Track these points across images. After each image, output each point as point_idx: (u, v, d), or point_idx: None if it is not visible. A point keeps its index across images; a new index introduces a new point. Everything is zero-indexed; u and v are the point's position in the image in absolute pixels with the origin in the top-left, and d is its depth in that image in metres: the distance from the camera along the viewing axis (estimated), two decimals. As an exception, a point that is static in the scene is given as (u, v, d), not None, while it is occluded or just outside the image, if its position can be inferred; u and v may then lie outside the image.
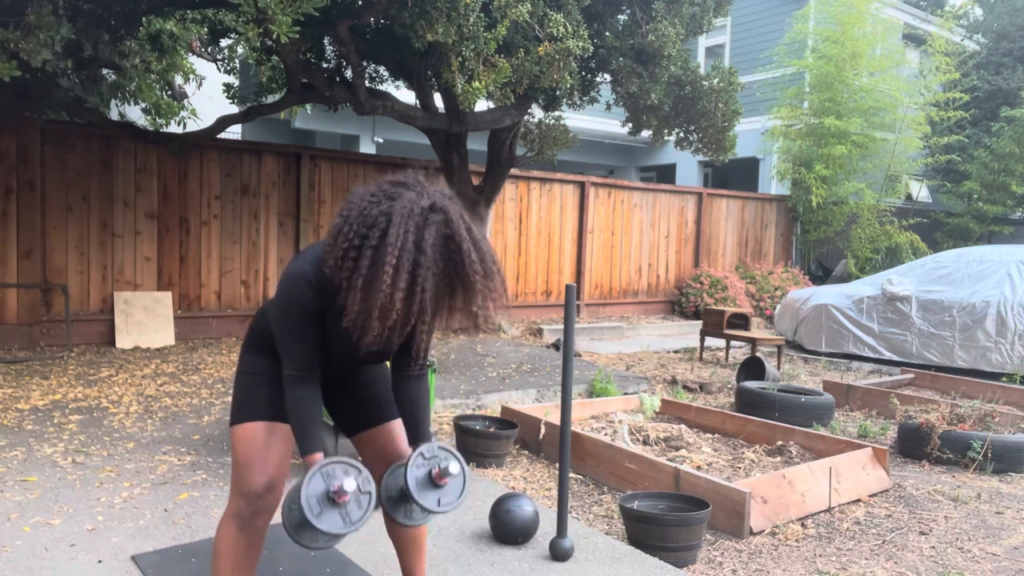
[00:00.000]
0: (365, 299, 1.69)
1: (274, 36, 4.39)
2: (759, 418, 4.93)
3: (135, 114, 10.16)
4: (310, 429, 1.91)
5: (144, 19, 6.44)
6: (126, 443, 4.19)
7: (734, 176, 16.07)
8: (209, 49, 8.83)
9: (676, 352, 8.82)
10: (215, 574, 2.04)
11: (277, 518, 3.02)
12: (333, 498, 1.80)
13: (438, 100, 7.12)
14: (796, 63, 12.68)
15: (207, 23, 7.34)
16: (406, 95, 9.59)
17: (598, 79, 7.56)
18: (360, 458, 2.27)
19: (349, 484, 1.81)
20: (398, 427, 2.25)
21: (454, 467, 1.96)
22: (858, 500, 3.91)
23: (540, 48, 5.63)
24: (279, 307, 1.91)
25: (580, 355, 8.02)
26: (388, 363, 2.23)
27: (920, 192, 16.06)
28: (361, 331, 1.74)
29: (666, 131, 7.88)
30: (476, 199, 7.67)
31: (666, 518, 3.02)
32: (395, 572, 2.72)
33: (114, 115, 9.30)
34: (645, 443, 4.52)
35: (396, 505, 2.04)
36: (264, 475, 2.01)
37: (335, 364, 2.13)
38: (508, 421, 4.41)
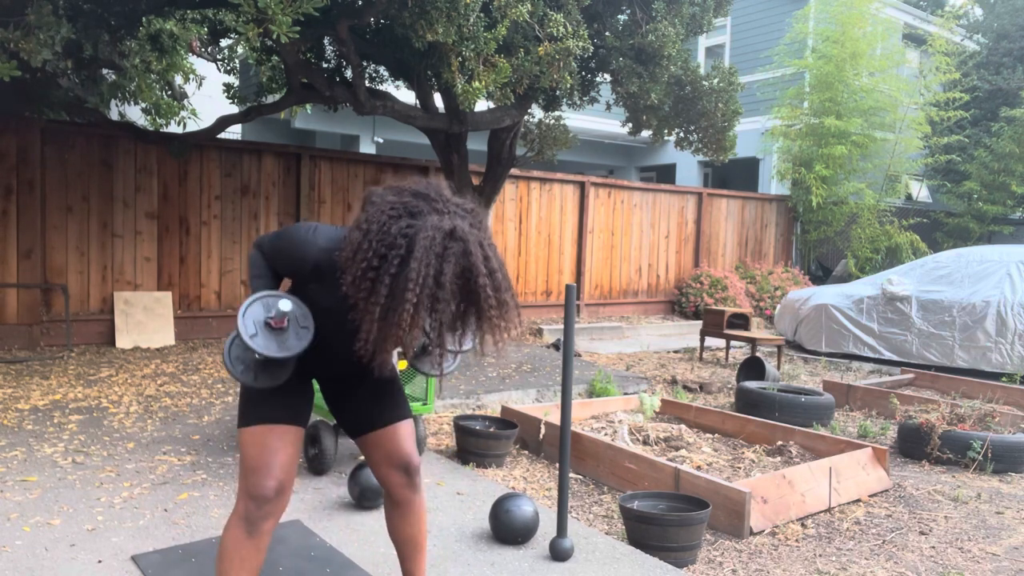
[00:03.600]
0: (382, 328, 1.74)
1: (274, 36, 4.39)
2: (759, 418, 4.94)
3: (135, 114, 10.18)
4: (262, 280, 2.05)
5: (144, 19, 6.45)
6: (126, 443, 4.20)
7: (734, 176, 16.07)
8: (209, 49, 8.84)
9: (676, 352, 8.82)
10: (220, 575, 2.04)
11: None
12: (270, 323, 1.91)
13: (438, 100, 7.11)
14: (796, 63, 12.68)
15: (207, 23, 7.35)
16: (406, 95, 9.59)
17: (598, 79, 7.56)
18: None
19: (284, 305, 1.93)
20: (406, 429, 2.23)
21: None
22: (858, 500, 3.91)
23: (540, 48, 5.62)
24: (280, 236, 2.01)
25: (580, 355, 8.02)
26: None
27: (920, 192, 16.06)
28: (373, 355, 1.80)
29: (666, 131, 7.87)
30: (476, 199, 7.66)
31: (666, 518, 3.02)
32: (395, 572, 2.72)
33: (114, 115, 9.32)
34: (645, 443, 4.53)
35: (420, 358, 2.13)
36: (274, 479, 2.00)
37: (335, 363, 2.13)
38: (508, 421, 4.41)
